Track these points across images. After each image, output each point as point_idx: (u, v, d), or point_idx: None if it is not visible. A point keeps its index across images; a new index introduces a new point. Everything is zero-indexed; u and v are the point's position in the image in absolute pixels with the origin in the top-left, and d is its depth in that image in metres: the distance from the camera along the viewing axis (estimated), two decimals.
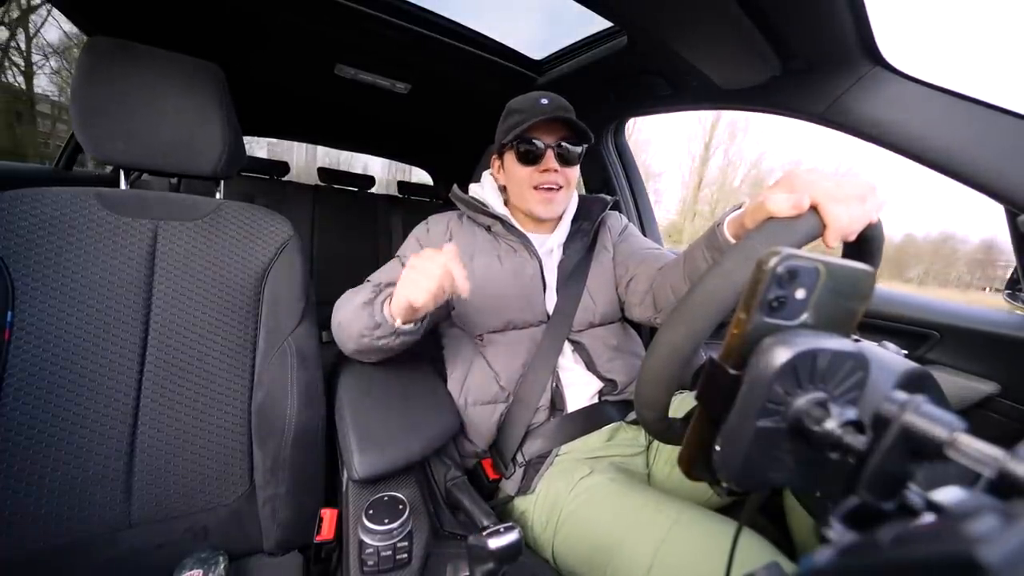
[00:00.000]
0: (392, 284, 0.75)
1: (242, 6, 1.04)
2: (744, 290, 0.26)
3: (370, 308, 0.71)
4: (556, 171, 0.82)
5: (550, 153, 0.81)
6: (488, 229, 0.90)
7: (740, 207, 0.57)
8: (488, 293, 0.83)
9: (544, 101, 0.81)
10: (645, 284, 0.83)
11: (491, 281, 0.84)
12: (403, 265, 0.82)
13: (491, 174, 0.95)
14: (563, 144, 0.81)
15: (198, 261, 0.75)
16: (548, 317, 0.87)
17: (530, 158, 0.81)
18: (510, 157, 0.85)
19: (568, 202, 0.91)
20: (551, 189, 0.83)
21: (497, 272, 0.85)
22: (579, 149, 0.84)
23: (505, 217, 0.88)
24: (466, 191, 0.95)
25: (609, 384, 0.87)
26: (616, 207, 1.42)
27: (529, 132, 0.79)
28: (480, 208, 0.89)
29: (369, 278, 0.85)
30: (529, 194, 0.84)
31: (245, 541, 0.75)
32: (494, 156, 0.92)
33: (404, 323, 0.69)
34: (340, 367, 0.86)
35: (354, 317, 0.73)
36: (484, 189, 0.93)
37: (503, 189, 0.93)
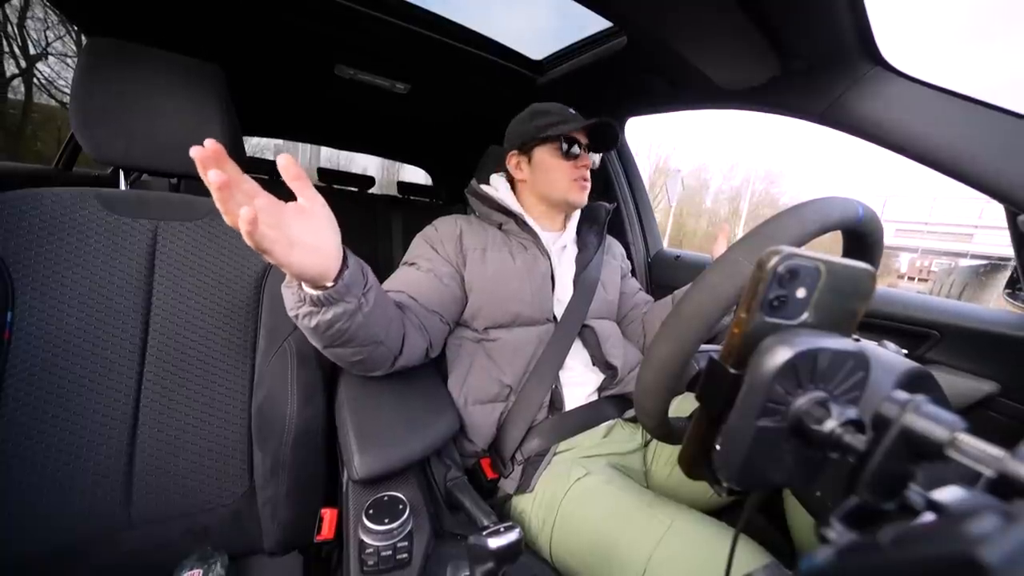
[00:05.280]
0: (400, 291, 0.78)
1: (242, 6, 1.04)
2: (745, 289, 0.26)
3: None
4: (588, 167, 0.94)
5: (584, 152, 0.93)
6: (500, 227, 0.94)
7: None
8: (500, 285, 0.86)
9: (571, 111, 0.94)
10: (636, 324, 1.02)
11: (503, 274, 0.87)
12: (418, 270, 0.84)
13: (502, 174, 0.99)
14: (588, 148, 0.95)
15: (198, 261, 0.75)
16: (554, 315, 0.90)
17: (573, 154, 0.91)
18: (546, 152, 0.92)
19: None
20: (587, 180, 0.94)
21: (510, 267, 0.88)
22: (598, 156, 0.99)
23: (520, 214, 0.92)
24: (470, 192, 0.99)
25: (610, 372, 0.89)
26: (616, 212, 1.46)
27: (572, 132, 0.91)
28: (495, 204, 0.93)
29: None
30: (570, 184, 0.92)
31: (245, 541, 0.75)
32: (512, 153, 0.95)
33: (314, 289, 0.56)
34: (340, 367, 0.86)
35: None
36: (498, 190, 0.97)
37: (514, 188, 0.98)
